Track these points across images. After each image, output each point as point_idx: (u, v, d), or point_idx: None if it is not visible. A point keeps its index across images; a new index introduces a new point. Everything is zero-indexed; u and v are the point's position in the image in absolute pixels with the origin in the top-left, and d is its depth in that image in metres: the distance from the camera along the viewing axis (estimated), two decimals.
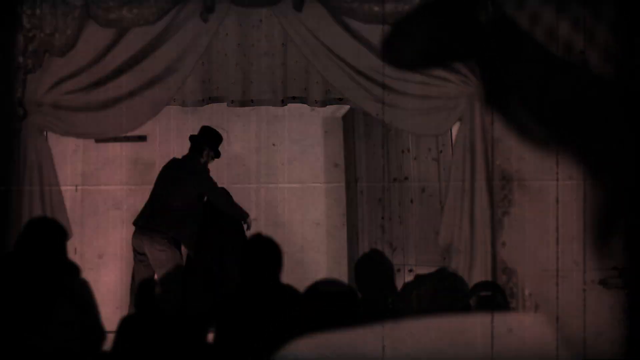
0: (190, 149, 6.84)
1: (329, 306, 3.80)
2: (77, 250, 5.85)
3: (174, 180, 6.71)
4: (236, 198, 6.89)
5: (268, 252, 4.38)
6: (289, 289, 4.38)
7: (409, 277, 6.01)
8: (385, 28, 5.59)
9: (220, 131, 6.96)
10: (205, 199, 6.79)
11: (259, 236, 4.54)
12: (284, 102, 6.22)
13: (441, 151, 6.47)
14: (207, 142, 6.81)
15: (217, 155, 6.87)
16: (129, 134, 6.69)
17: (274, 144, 7.94)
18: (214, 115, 7.34)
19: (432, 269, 4.75)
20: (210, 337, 4.33)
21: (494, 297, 4.28)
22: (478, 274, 5.49)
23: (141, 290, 4.89)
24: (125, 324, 4.48)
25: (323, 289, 3.87)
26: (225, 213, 6.73)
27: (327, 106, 6.62)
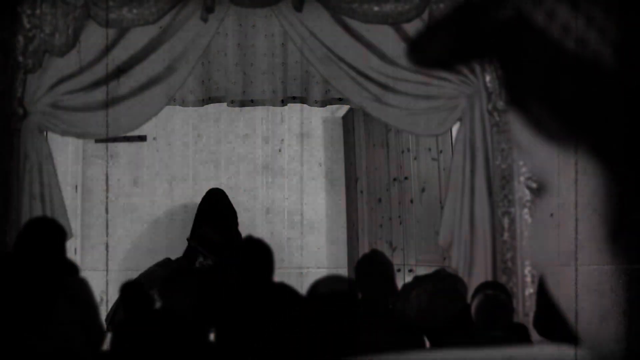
0: (185, 252, 6.20)
1: (329, 306, 3.80)
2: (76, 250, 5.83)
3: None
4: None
5: (259, 252, 4.39)
6: (288, 289, 4.38)
7: (409, 277, 6.01)
8: (390, 28, 5.60)
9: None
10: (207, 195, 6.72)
11: (250, 237, 4.55)
12: (284, 102, 6.21)
13: (441, 151, 6.46)
14: (199, 247, 6.12)
15: (218, 262, 5.98)
16: (129, 134, 6.69)
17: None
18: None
19: (432, 269, 4.75)
20: (211, 337, 4.33)
21: (497, 295, 4.27)
22: (478, 274, 5.48)
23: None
24: (123, 324, 4.48)
25: (324, 289, 3.87)
26: (219, 213, 6.49)
27: (327, 106, 6.62)
